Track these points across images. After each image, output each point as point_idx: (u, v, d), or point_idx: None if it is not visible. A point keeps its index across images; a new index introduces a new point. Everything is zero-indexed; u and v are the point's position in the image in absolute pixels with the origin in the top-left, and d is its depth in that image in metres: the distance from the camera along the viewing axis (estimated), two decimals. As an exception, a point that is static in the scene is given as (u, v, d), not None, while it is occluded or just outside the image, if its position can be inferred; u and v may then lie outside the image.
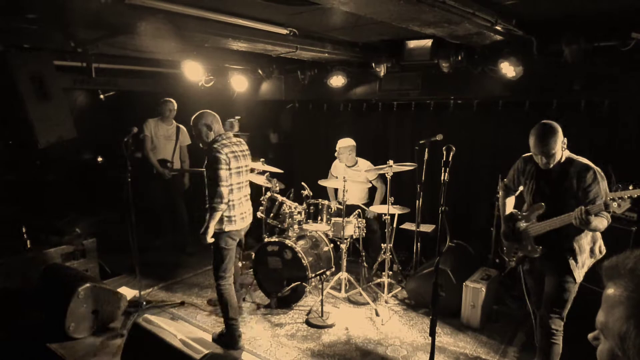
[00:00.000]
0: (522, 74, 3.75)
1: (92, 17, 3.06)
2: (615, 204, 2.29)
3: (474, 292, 3.74)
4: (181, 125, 5.47)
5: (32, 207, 5.49)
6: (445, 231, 4.37)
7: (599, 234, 2.74)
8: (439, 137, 4.25)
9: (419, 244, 4.53)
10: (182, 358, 2.57)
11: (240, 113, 6.33)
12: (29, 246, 4.19)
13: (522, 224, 2.88)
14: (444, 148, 2.34)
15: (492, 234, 4.41)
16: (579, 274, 2.68)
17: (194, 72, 5.01)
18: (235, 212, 3.29)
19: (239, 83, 5.63)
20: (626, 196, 2.27)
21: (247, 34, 3.52)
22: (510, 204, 3.08)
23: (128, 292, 4.24)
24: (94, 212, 5.61)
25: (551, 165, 2.63)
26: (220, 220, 3.22)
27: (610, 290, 0.83)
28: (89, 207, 5.85)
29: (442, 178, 2.29)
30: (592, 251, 2.73)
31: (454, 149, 2.33)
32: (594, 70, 3.61)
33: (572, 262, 2.65)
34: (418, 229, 4.44)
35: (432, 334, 2.16)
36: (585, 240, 2.68)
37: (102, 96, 6.81)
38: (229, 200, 3.20)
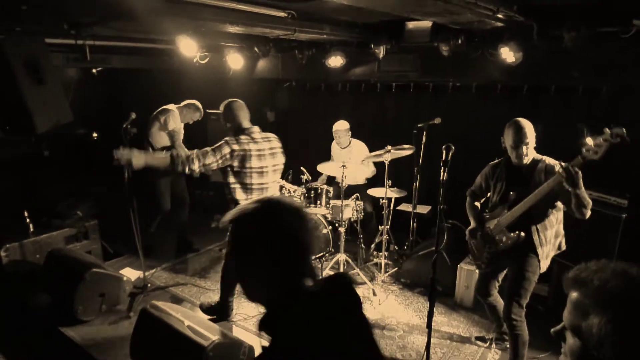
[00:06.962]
0: (521, 59, 3.73)
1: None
2: (590, 152, 2.25)
3: (468, 274, 3.88)
4: (170, 109, 4.81)
5: (31, 187, 5.50)
6: (443, 229, 4.36)
7: (562, 231, 2.79)
8: (437, 120, 4.28)
9: (414, 224, 4.64)
10: (190, 345, 2.69)
11: (236, 91, 6.27)
12: (32, 230, 4.24)
13: (492, 222, 2.88)
14: (443, 147, 2.36)
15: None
16: (544, 264, 2.76)
17: (188, 48, 4.88)
18: None
19: (235, 61, 5.52)
20: (602, 139, 2.21)
21: (244, 19, 3.45)
22: (477, 206, 3.16)
23: (132, 273, 4.35)
24: (93, 192, 5.61)
25: (525, 160, 2.66)
26: None
27: (575, 296, 0.92)
28: (88, 183, 5.86)
29: (441, 178, 2.32)
30: (554, 244, 2.80)
31: (453, 148, 2.35)
32: (593, 56, 3.61)
33: (539, 251, 2.70)
34: (414, 211, 4.54)
35: (429, 326, 2.27)
36: (550, 232, 2.74)
37: (94, 70, 6.69)
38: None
